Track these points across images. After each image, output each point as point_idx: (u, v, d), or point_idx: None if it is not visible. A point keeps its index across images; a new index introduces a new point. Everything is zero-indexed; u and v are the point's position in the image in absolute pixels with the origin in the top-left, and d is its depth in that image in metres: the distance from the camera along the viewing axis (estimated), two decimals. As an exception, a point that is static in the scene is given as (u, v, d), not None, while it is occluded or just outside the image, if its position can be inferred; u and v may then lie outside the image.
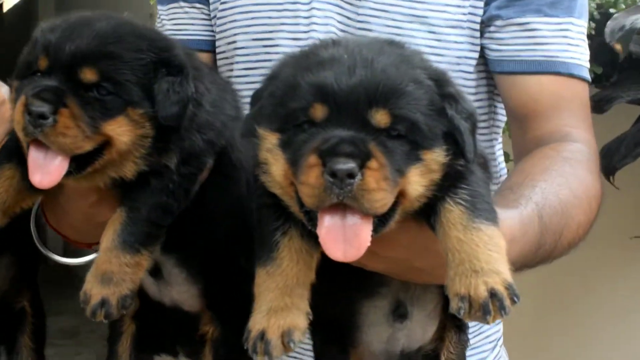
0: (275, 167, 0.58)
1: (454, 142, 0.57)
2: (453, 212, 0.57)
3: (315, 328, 0.72)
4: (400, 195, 0.56)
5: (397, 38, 0.84)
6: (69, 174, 0.66)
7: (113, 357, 0.84)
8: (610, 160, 1.20)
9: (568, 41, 0.92)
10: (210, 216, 0.75)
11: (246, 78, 0.94)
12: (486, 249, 0.55)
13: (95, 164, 0.69)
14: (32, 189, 0.72)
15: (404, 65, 0.58)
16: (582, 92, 0.96)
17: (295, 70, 0.59)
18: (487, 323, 0.55)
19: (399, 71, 0.57)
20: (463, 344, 0.78)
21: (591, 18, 1.32)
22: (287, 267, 0.59)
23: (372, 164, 0.52)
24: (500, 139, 1.06)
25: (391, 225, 0.56)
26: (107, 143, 0.68)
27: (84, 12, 0.74)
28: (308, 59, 0.60)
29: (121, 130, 0.67)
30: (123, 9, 0.89)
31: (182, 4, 1.01)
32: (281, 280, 0.59)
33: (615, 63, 1.30)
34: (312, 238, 0.58)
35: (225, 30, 0.98)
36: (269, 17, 0.93)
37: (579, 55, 0.94)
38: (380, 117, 0.55)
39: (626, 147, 1.21)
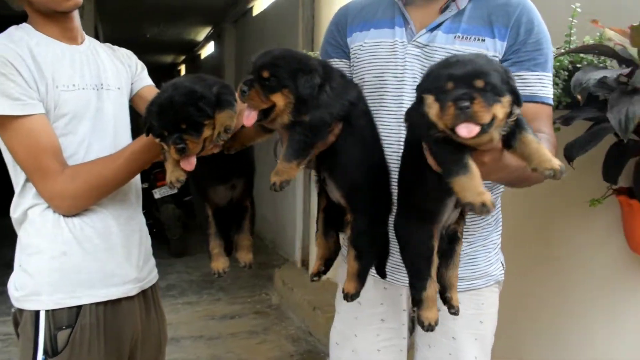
0: (433, 111, 1.05)
1: (516, 97, 1.07)
2: (528, 136, 1.07)
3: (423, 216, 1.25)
4: (494, 117, 1.02)
5: None
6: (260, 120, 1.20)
7: (317, 228, 1.42)
8: (571, 152, 1.81)
9: (542, 84, 1.43)
10: (346, 154, 1.25)
11: (369, 99, 1.44)
12: (545, 150, 1.05)
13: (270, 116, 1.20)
14: (262, 133, 1.29)
15: (489, 62, 1.08)
16: (548, 111, 1.46)
17: (438, 68, 1.10)
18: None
19: (488, 65, 1.06)
20: (463, 223, 1.33)
21: (567, 69, 1.91)
22: (475, 170, 1.05)
23: (475, 101, 1.00)
24: None
25: (491, 131, 1.03)
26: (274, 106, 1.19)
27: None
28: (443, 63, 1.11)
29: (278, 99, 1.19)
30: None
31: (336, 59, 1.56)
32: (476, 178, 1.04)
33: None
34: None
35: (358, 73, 1.52)
36: (382, 65, 1.47)
37: (547, 92, 1.45)
38: (479, 83, 1.02)
39: (579, 144, 1.84)
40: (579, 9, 1.99)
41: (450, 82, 1.04)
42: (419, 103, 1.12)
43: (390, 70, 1.46)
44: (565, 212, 2.26)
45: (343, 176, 1.29)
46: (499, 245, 1.62)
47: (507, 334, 1.72)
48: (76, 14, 1.59)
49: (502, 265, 1.63)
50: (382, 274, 1.45)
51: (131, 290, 1.59)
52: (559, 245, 2.32)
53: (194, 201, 1.50)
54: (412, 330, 1.67)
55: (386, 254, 1.43)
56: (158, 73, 1.66)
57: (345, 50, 1.57)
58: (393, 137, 1.47)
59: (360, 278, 1.35)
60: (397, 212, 1.33)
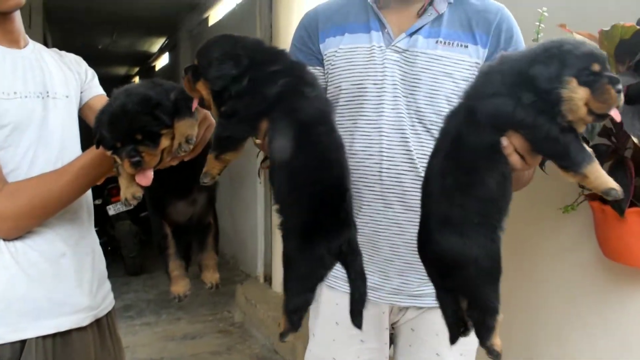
0: (578, 96, 0.96)
1: None
2: None
3: None
4: None
5: (435, 86, 1.35)
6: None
7: None
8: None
9: None
10: (272, 157, 1.12)
11: (347, 108, 1.42)
12: None
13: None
14: None
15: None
16: None
17: (570, 50, 0.98)
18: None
19: None
20: None
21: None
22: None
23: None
24: None
25: None
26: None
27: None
28: (563, 45, 1.00)
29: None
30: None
31: (310, 67, 1.42)
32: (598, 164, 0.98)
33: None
34: None
35: (334, 80, 1.43)
36: (360, 72, 1.40)
37: None
38: (605, 67, 0.97)
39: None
40: (545, 14, 1.97)
41: (596, 63, 0.96)
42: (516, 92, 0.99)
43: (369, 77, 1.38)
44: (538, 218, 2.23)
45: (273, 185, 1.15)
46: None
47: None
48: (18, 15, 1.44)
49: None
50: (356, 322, 1.18)
51: (83, 320, 1.44)
52: (532, 252, 2.30)
53: (151, 219, 1.37)
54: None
55: (360, 297, 1.17)
56: (111, 85, 1.54)
57: (318, 57, 1.48)
58: (374, 147, 1.38)
59: (289, 315, 1.11)
60: (445, 229, 1.07)
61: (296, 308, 1.11)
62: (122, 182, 1.17)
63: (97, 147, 1.21)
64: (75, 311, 1.42)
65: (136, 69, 14.31)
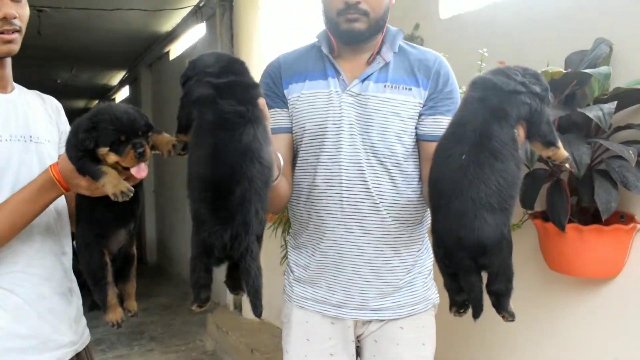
0: None
1: None
2: None
3: None
4: None
5: (385, 125, 1.55)
6: None
7: None
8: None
9: None
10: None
11: (310, 145, 1.60)
12: None
13: None
14: None
15: None
16: None
17: None
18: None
19: None
20: None
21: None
22: None
23: None
24: None
25: None
26: None
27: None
28: None
29: None
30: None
31: (277, 109, 1.64)
32: None
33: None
34: None
35: (299, 121, 1.61)
36: (321, 114, 1.58)
37: None
38: None
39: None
40: (486, 54, 2.20)
41: None
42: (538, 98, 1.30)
43: (329, 118, 1.57)
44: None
45: None
46: (432, 271, 1.73)
47: (440, 352, 1.81)
48: (8, 62, 1.51)
49: (436, 288, 1.74)
50: (255, 312, 1.30)
51: (66, 354, 1.51)
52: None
53: (86, 249, 1.42)
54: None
55: (249, 292, 1.27)
56: (69, 118, 1.64)
57: (284, 100, 1.65)
58: (335, 179, 1.56)
59: (192, 288, 1.30)
60: (487, 212, 1.24)
61: (193, 282, 1.28)
62: (111, 180, 1.26)
63: (87, 148, 1.28)
64: (58, 347, 1.49)
65: (95, 102, 14.22)
